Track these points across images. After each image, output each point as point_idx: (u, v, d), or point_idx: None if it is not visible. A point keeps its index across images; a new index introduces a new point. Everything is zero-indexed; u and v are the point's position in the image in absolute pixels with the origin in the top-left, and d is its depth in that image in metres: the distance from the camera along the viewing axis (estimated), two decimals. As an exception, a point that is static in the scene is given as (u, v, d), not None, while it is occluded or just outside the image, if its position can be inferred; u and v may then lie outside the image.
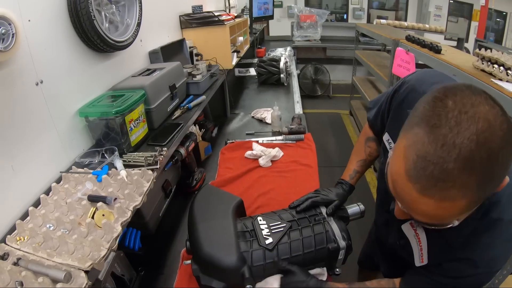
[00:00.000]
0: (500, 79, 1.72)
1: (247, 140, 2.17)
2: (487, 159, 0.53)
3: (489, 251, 0.74)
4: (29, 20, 1.05)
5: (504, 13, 6.77)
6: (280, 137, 2.19)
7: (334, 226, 1.15)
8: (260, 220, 1.17)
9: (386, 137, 1.03)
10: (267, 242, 1.08)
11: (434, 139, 0.55)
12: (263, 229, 1.12)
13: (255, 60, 3.84)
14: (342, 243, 1.11)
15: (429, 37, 4.74)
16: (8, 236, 0.90)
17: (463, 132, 0.53)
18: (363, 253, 1.81)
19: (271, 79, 3.37)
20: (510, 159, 0.56)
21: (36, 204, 1.03)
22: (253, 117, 2.64)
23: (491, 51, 1.86)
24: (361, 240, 1.86)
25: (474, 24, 6.84)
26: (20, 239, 0.90)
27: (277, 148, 1.98)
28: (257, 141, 2.13)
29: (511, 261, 1.45)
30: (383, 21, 5.58)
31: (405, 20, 6.58)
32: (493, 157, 0.53)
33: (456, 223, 0.66)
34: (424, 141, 0.57)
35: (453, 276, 0.81)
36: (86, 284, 0.76)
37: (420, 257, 0.88)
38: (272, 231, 1.11)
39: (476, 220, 0.72)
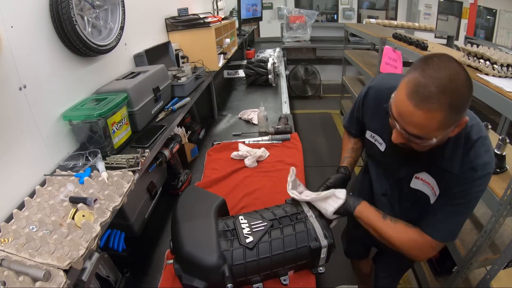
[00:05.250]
0: (487, 74, 1.76)
1: (234, 141, 2.19)
2: (455, 88, 0.83)
3: (479, 159, 0.99)
4: (11, 26, 1.06)
5: (494, 10, 6.81)
6: (266, 137, 2.21)
7: (316, 225, 1.17)
8: (242, 219, 1.18)
9: (368, 134, 1.27)
10: (248, 241, 1.10)
11: (424, 75, 0.85)
12: (244, 228, 1.14)
13: (244, 62, 3.84)
14: (324, 241, 1.13)
15: (419, 36, 4.79)
16: (-7, 238, 0.91)
17: (442, 72, 0.84)
18: (348, 241, 1.83)
19: (259, 80, 3.38)
20: (468, 92, 0.86)
21: (21, 206, 1.04)
22: (240, 118, 2.65)
23: (482, 47, 1.89)
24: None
25: (464, 22, 6.86)
26: (4, 241, 0.91)
27: (262, 148, 2.00)
28: (243, 142, 2.15)
29: (502, 257, 1.48)
30: (372, 20, 5.59)
31: (395, 19, 6.60)
32: (459, 89, 0.83)
33: (435, 140, 0.91)
34: (418, 76, 0.86)
35: (463, 186, 1.02)
36: (65, 283, 0.78)
37: (434, 194, 1.10)
38: (253, 230, 1.13)
39: (462, 145, 1.00)
